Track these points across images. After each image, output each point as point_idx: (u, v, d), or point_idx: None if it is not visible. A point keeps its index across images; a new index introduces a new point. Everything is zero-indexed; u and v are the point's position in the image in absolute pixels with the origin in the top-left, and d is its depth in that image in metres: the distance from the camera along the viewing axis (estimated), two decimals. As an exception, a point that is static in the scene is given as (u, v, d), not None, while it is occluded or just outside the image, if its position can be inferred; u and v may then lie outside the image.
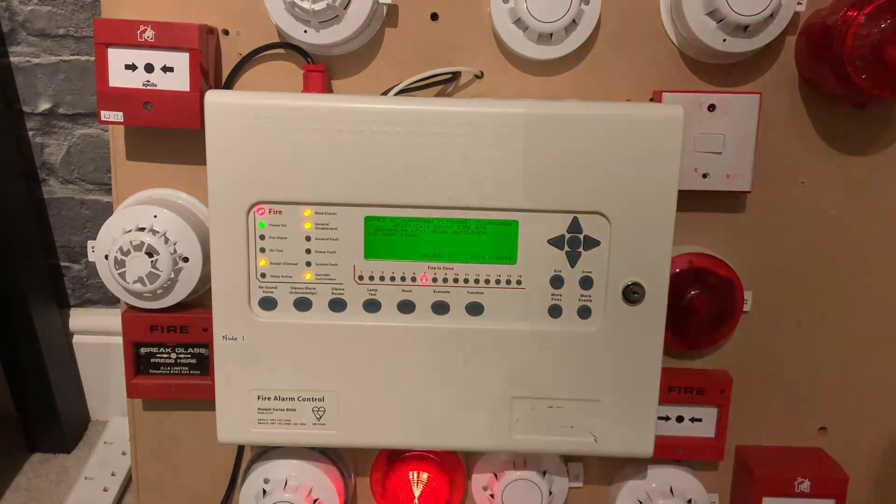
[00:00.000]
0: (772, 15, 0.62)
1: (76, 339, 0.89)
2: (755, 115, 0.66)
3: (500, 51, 0.68)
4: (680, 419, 0.73)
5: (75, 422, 0.92)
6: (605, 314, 0.63)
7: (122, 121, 0.65)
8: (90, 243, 0.69)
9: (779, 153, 0.70)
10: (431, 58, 0.68)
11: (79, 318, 0.88)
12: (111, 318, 0.88)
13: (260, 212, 0.62)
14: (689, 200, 0.69)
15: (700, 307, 0.68)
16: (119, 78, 0.65)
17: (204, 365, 0.72)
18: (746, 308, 0.72)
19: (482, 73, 0.69)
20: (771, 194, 0.70)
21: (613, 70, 0.69)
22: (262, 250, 0.63)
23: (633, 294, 0.62)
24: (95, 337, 0.89)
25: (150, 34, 0.64)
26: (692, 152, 0.66)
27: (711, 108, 0.66)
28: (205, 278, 0.70)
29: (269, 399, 0.65)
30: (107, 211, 0.83)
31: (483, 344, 0.63)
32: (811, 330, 0.73)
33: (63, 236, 0.85)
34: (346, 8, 0.63)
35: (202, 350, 0.72)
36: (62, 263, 0.86)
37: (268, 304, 0.63)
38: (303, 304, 0.63)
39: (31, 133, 0.80)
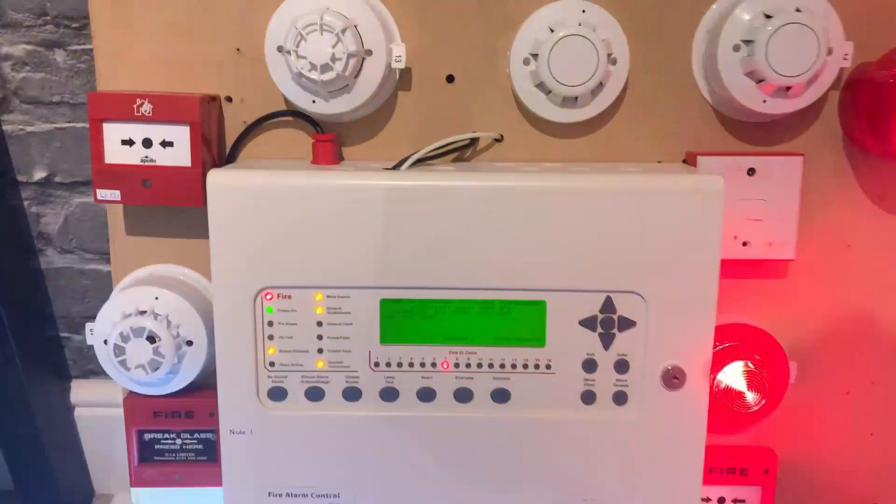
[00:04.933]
0: (816, 75, 0.57)
1: (78, 411, 0.85)
2: (798, 179, 0.61)
3: (520, 113, 0.64)
4: (722, 501, 0.68)
5: (78, 497, 0.88)
6: (643, 400, 0.58)
7: (119, 199, 0.61)
8: (88, 325, 0.65)
9: (822, 215, 0.65)
10: (447, 121, 0.64)
11: (81, 390, 0.84)
12: (115, 390, 0.83)
13: (268, 297, 0.57)
14: (728, 267, 0.64)
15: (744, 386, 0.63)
16: (115, 154, 0.61)
17: (211, 450, 0.68)
18: (791, 379, 0.67)
19: (502, 136, 0.64)
20: (815, 258, 0.65)
21: (642, 130, 0.64)
22: (271, 337, 0.58)
23: (672, 379, 0.57)
24: (99, 409, 0.85)
25: (147, 108, 0.60)
26: (731, 219, 0.61)
27: (751, 172, 0.61)
28: (211, 359, 0.65)
29: (280, 496, 0.60)
30: (107, 281, 0.79)
31: (510, 434, 0.59)
32: (861, 400, 0.68)
33: (62, 307, 0.81)
34: (356, 76, 0.59)
35: (209, 435, 0.68)
36: (62, 334, 0.82)
37: (277, 394, 0.59)
38: (315, 394, 0.59)
39: (26, 203, 0.76)
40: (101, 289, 0.80)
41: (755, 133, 0.64)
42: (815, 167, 0.64)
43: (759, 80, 0.58)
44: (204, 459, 0.68)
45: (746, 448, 0.68)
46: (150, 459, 0.69)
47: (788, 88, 0.58)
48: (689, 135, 0.64)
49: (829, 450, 0.69)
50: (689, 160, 0.64)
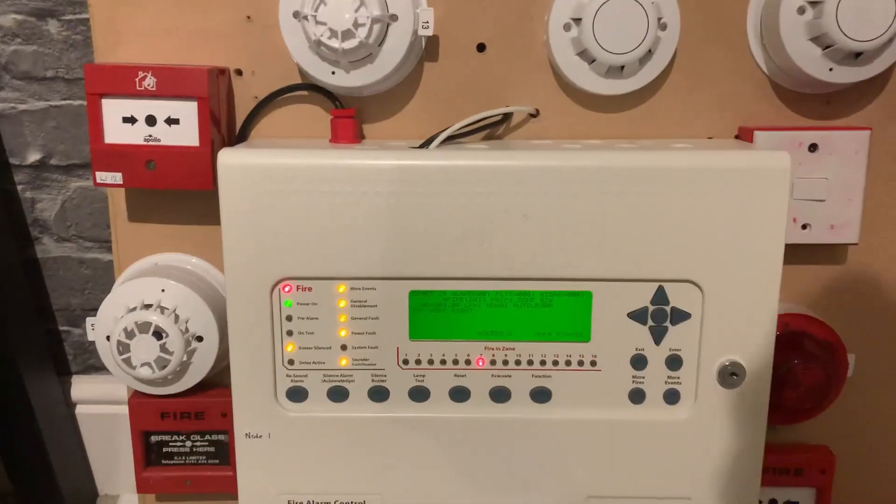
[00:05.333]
0: (891, 39, 0.52)
1: (80, 408, 0.80)
2: (865, 156, 0.56)
3: (558, 85, 0.59)
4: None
5: (81, 499, 0.83)
6: (697, 399, 0.53)
7: (120, 183, 0.56)
8: (89, 320, 0.60)
9: (886, 195, 0.59)
10: (478, 95, 0.59)
11: (82, 387, 0.79)
12: (118, 386, 0.78)
13: (286, 289, 0.52)
14: (786, 252, 0.59)
15: (799, 379, 0.58)
16: (116, 133, 0.55)
17: (224, 453, 0.63)
18: (850, 373, 0.62)
19: (537, 111, 0.59)
20: (877, 243, 0.60)
21: (691, 103, 0.59)
22: (290, 333, 0.53)
23: (730, 376, 0.52)
24: (101, 406, 0.80)
25: (150, 81, 0.54)
26: (790, 200, 0.56)
27: (813, 147, 0.56)
28: (223, 355, 0.60)
29: (301, 505, 0.55)
30: (108, 271, 0.74)
31: (552, 436, 0.54)
32: (924, 395, 0.63)
33: (61, 298, 0.76)
34: (380, 45, 0.53)
35: (221, 437, 0.63)
36: (61, 328, 0.77)
37: (297, 395, 0.54)
38: (338, 395, 0.54)
39: (20, 187, 0.71)
40: (103, 279, 0.75)
41: (814, 105, 0.59)
42: (880, 142, 0.58)
43: (827, 46, 0.53)
44: (216, 463, 0.64)
45: (801, 447, 0.63)
46: (157, 463, 0.64)
47: (858, 55, 0.53)
48: (742, 108, 0.59)
49: (891, 450, 0.64)
50: (743, 135, 0.59)
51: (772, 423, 0.61)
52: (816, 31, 0.52)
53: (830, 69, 0.54)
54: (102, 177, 0.56)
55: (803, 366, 0.59)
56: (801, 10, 0.52)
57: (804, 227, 0.57)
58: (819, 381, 0.59)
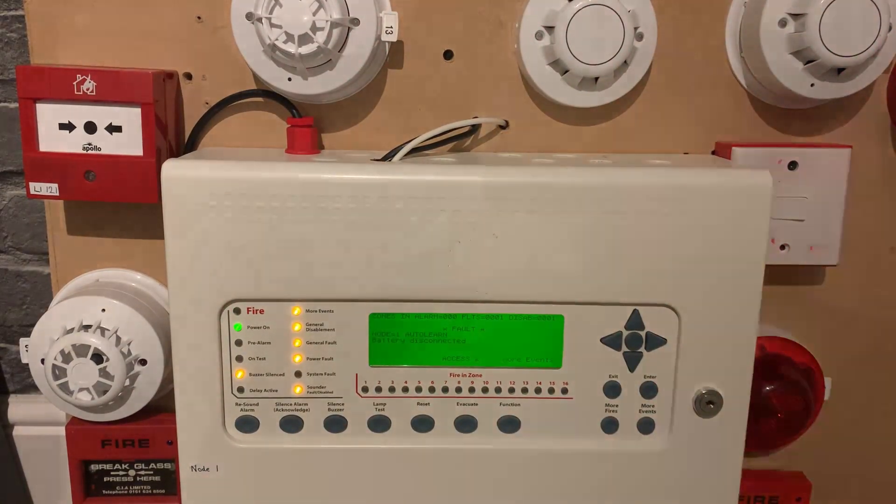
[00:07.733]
0: (874, 55, 0.50)
1: (17, 430, 0.75)
2: (845, 174, 0.54)
3: (529, 96, 0.56)
4: (748, 532, 0.61)
5: (19, 527, 0.78)
6: (672, 429, 0.51)
7: (56, 194, 0.51)
8: (23, 341, 0.55)
9: (865, 214, 0.58)
10: (444, 104, 0.56)
11: (19, 407, 0.74)
12: (60, 405, 0.74)
13: (236, 311, 0.48)
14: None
15: (777, 406, 0.56)
16: (52, 141, 0.51)
17: (170, 483, 0.60)
18: (826, 397, 0.60)
19: (507, 122, 0.56)
20: (855, 263, 0.58)
21: (667, 117, 0.56)
22: (240, 359, 0.49)
23: (707, 405, 0.50)
24: (41, 428, 0.75)
25: (90, 85, 0.50)
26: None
27: (792, 165, 0.54)
28: (169, 379, 0.56)
29: (251, 542, 0.52)
30: (48, 284, 0.69)
31: (520, 467, 0.51)
32: (899, 419, 0.62)
33: (-3, 314, 0.71)
34: (340, 50, 0.50)
35: (167, 465, 0.59)
36: (-2, 345, 0.72)
37: (247, 425, 0.50)
38: (292, 424, 0.50)
39: (-49, 196, 0.66)
40: (42, 293, 0.70)
41: (793, 121, 0.57)
42: (859, 160, 0.57)
43: (809, 61, 0.50)
44: (162, 493, 0.60)
45: (776, 474, 0.61)
46: (98, 494, 0.60)
47: (840, 70, 0.51)
48: (719, 122, 0.57)
49: (866, 475, 0.63)
50: (720, 151, 0.56)
51: (746, 450, 0.59)
52: (798, 45, 0.50)
53: (812, 84, 0.51)
54: (37, 188, 0.51)
55: (781, 393, 0.56)
56: (783, 23, 0.50)
57: (783, 247, 0.55)
58: (797, 409, 0.57)
